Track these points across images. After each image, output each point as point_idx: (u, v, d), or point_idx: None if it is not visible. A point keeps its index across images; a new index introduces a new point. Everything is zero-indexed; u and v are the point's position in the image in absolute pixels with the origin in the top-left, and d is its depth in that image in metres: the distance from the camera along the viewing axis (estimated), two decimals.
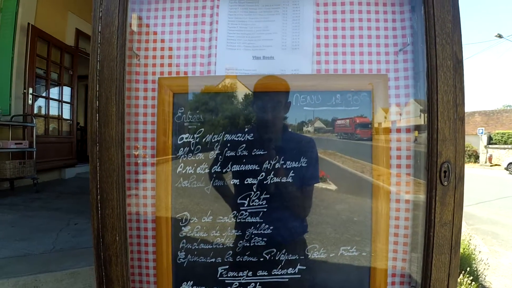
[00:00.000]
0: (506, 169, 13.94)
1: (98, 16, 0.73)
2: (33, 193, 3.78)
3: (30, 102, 4.25)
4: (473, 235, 4.02)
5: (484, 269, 2.85)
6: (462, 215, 0.73)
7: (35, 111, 4.49)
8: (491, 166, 16.65)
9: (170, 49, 0.80)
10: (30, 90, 4.23)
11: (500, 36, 16.22)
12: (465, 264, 2.63)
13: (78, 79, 5.48)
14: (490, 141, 17.99)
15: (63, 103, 5.11)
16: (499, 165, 15.98)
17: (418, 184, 0.77)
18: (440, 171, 0.69)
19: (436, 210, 0.70)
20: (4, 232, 2.42)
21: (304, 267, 0.78)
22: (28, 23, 4.13)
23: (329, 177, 0.79)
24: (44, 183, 4.40)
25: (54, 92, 4.95)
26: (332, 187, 0.80)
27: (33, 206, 3.24)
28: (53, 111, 4.94)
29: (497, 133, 17.94)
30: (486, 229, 4.67)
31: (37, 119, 4.37)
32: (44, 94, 4.75)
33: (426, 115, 0.71)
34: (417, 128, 0.77)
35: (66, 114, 5.27)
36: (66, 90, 5.18)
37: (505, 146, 16.66)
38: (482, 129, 18.24)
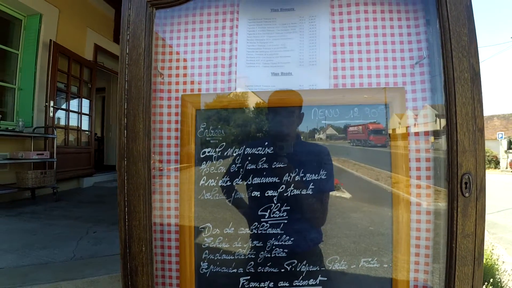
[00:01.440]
0: None
1: (125, 39, 0.78)
2: (53, 202, 3.91)
3: (51, 114, 4.45)
4: (496, 245, 3.85)
5: (508, 280, 2.72)
6: (484, 226, 0.72)
7: (56, 123, 4.68)
8: None
9: (193, 67, 0.84)
10: (51, 103, 4.42)
11: None
12: (488, 275, 2.52)
13: (95, 92, 5.70)
14: (510, 145, 17.29)
15: (82, 115, 5.32)
16: None
17: (438, 192, 0.77)
18: (461, 182, 0.69)
19: (458, 221, 0.70)
20: (26, 240, 2.51)
21: (325, 278, 0.78)
22: (50, 40, 4.35)
23: (343, 185, 0.80)
24: (63, 191, 4.55)
25: (73, 104, 5.17)
26: (346, 195, 0.81)
27: (54, 214, 3.35)
28: (73, 122, 5.15)
29: None
30: (510, 238, 4.46)
31: (57, 130, 4.55)
32: (64, 107, 4.96)
33: (445, 126, 0.72)
34: (436, 137, 0.78)
35: (85, 125, 5.47)
36: (85, 102, 5.40)
37: None
38: (502, 134, 17.57)
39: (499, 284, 2.54)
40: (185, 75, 0.84)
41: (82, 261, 2.08)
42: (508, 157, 16.99)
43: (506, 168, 16.68)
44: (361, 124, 0.78)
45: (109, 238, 2.52)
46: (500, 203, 6.72)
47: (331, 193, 0.80)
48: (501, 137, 17.39)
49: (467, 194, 0.70)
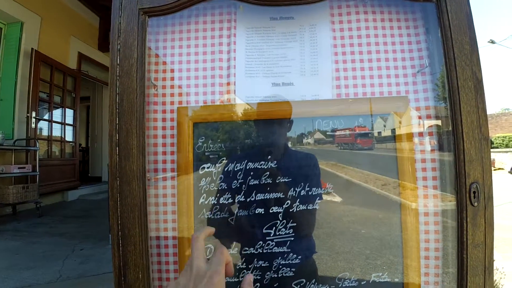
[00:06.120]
0: (510, 172, 13.89)
1: (116, 49, 0.74)
2: (37, 218, 3.73)
3: (33, 125, 4.27)
4: None
5: (501, 278, 2.75)
6: (493, 235, 0.72)
7: (38, 134, 4.50)
8: (494, 170, 16.55)
9: (189, 78, 0.80)
10: (33, 114, 4.25)
11: (492, 42, 16.55)
12: None
13: (80, 101, 5.54)
14: (491, 145, 17.97)
15: (66, 125, 5.14)
16: (502, 168, 15.91)
17: (445, 199, 0.76)
18: (469, 192, 0.68)
19: (468, 231, 0.69)
20: (8, 260, 2.37)
21: None
22: (32, 48, 4.21)
23: (334, 188, 0.77)
24: (47, 206, 4.36)
25: (57, 114, 5.00)
26: (341, 201, 0.78)
27: (37, 231, 3.19)
28: (56, 133, 4.97)
29: (498, 137, 17.96)
30: (496, 235, 4.55)
31: (40, 142, 4.37)
32: (47, 117, 4.78)
33: (448, 134, 0.71)
34: (440, 145, 0.76)
35: (69, 136, 5.30)
36: (69, 112, 5.23)
37: (507, 149, 16.60)
38: None
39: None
40: (180, 86, 0.80)
41: (69, 282, 1.97)
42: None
43: None
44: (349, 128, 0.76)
45: (97, 255, 2.40)
46: None
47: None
48: None
49: (475, 204, 0.69)
